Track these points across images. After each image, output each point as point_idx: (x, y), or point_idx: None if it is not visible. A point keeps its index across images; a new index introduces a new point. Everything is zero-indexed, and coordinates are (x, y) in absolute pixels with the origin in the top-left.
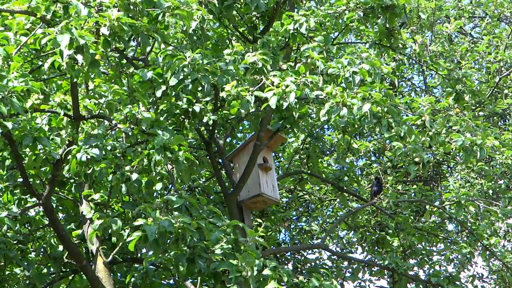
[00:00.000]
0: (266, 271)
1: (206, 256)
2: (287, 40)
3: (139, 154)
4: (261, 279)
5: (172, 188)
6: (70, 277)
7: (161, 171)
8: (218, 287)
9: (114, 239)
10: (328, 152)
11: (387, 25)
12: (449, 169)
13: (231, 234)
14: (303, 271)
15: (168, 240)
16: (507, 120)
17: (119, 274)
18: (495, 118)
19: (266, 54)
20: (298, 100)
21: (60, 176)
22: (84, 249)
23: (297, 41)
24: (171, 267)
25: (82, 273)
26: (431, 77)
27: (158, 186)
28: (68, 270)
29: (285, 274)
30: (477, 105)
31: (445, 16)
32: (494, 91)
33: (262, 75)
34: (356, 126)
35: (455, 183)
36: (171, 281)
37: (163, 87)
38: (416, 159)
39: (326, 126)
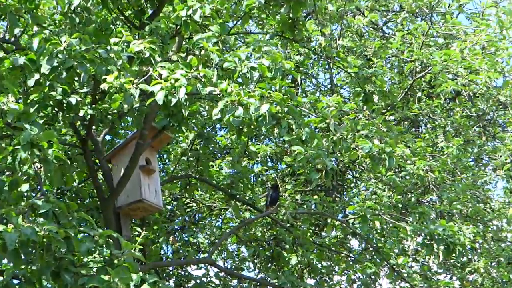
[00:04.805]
0: (145, 287)
1: (74, 270)
2: (178, 27)
3: (2, 150)
4: None
5: (40, 190)
6: None
7: (28, 171)
8: None
9: None
10: (220, 155)
11: (291, 15)
12: (354, 178)
13: (104, 245)
14: None
15: (34, 250)
16: (420, 127)
17: None
18: (406, 123)
19: (154, 42)
20: (189, 96)
21: None
22: None
23: (190, 29)
24: (35, 281)
25: None
26: (338, 74)
27: (24, 187)
28: None
29: None
30: (388, 108)
31: (356, 9)
32: (406, 94)
33: (149, 66)
34: (252, 126)
35: (360, 194)
36: None
37: (36, 76)
38: (319, 166)
39: (218, 126)
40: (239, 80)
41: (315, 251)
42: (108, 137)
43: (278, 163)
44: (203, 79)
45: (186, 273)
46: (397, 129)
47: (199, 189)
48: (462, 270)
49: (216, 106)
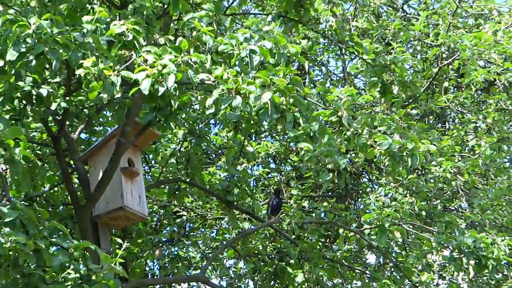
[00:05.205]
0: None
1: None
2: (166, 6)
3: None
4: None
5: (5, 196)
6: None
7: None
8: None
9: None
10: (214, 156)
11: None
12: (370, 182)
13: (80, 259)
14: None
15: None
16: (447, 123)
17: None
18: (430, 118)
19: (138, 23)
20: (178, 85)
21: None
22: None
23: (180, 8)
24: None
25: None
26: (352, 62)
27: None
28: None
29: None
30: (410, 101)
31: None
32: (431, 84)
33: (132, 50)
34: (252, 121)
35: (377, 201)
36: None
37: (1, 63)
38: (330, 166)
39: (213, 121)
40: (237, 68)
41: (324, 267)
42: (84, 135)
43: (282, 164)
44: (195, 65)
45: None
46: (420, 125)
47: (190, 195)
48: None
49: (210, 96)
